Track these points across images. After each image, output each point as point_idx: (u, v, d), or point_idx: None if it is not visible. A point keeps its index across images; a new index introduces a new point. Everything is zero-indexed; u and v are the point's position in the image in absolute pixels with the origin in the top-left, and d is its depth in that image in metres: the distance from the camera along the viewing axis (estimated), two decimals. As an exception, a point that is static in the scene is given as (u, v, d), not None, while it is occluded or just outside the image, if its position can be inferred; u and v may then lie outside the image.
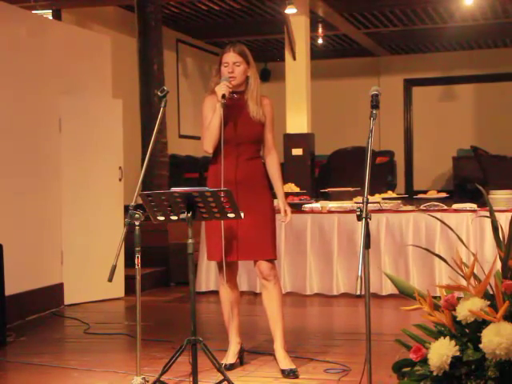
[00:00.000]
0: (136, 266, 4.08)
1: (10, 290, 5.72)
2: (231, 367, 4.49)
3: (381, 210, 7.09)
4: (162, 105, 4.26)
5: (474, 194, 8.68)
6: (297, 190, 7.84)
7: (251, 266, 4.50)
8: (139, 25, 9.42)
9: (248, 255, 4.41)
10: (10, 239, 5.90)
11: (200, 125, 4.42)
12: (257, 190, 4.41)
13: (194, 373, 3.81)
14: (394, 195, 7.86)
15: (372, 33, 14.16)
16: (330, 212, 7.25)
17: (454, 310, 3.07)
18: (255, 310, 6.44)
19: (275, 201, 4.59)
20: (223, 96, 4.23)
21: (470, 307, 2.99)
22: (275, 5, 11.61)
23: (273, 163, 4.53)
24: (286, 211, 4.46)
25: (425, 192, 7.62)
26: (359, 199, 7.24)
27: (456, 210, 6.90)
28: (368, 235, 3.15)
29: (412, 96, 16.48)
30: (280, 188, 4.52)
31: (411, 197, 9.24)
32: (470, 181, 12.84)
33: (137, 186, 4.16)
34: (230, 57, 4.36)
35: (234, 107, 4.37)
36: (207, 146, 4.37)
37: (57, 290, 6.87)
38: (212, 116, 4.32)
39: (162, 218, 3.98)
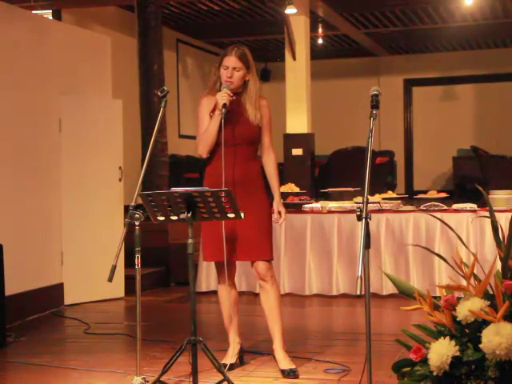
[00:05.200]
0: (136, 266, 4.09)
1: (10, 289, 5.72)
2: (231, 367, 4.49)
3: (381, 210, 7.09)
4: (162, 105, 4.27)
5: (473, 194, 8.66)
6: (297, 190, 7.83)
7: (250, 266, 4.49)
8: (139, 25, 9.42)
9: (245, 256, 4.41)
10: (10, 239, 5.90)
11: (196, 125, 4.43)
12: (253, 190, 4.41)
13: (194, 373, 3.81)
14: (394, 195, 7.86)
15: (372, 33, 14.14)
16: (330, 212, 7.25)
17: (454, 310, 3.07)
18: (255, 310, 6.43)
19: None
20: (224, 105, 4.23)
21: (469, 307, 2.99)
22: (275, 5, 11.59)
23: (270, 163, 4.53)
24: (280, 212, 4.46)
25: (425, 192, 7.63)
26: (359, 199, 7.24)
27: (456, 210, 6.90)
28: (368, 235, 3.15)
29: (412, 96, 16.46)
30: (276, 188, 4.52)
31: (411, 197, 9.23)
32: (470, 181, 12.82)
33: (137, 186, 4.17)
34: (231, 61, 4.34)
35: (231, 109, 4.36)
36: (202, 151, 4.39)
37: (57, 290, 6.88)
38: (208, 120, 4.33)
39: (162, 218, 3.98)
